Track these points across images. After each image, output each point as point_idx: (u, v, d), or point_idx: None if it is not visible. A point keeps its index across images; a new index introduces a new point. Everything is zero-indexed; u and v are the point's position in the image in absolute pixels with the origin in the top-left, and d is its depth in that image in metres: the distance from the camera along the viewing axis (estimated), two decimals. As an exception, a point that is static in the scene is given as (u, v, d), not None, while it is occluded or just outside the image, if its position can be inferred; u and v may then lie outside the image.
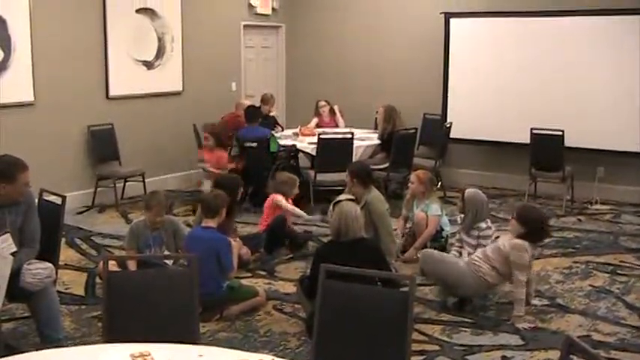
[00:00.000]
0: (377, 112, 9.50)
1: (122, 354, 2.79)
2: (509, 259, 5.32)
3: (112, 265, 5.87)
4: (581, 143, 8.87)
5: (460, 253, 6.05)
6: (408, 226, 7.02)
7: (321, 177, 8.34)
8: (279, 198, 7.01)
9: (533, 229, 5.38)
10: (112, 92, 8.79)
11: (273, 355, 3.78)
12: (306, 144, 8.77)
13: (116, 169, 8.69)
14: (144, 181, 8.72)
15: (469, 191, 6.22)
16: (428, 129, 9.86)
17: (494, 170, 9.73)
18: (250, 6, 10.68)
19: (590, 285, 6.14)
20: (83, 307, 5.53)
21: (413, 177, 6.90)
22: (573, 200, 8.90)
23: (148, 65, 9.21)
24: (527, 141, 8.83)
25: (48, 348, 4.36)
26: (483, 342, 4.99)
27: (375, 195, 6.35)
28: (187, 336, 3.24)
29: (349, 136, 8.43)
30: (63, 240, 6.04)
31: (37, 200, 4.85)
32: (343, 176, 8.05)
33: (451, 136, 9.63)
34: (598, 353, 2.51)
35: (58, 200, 4.87)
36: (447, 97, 9.98)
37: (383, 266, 4.91)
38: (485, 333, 5.14)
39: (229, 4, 10.38)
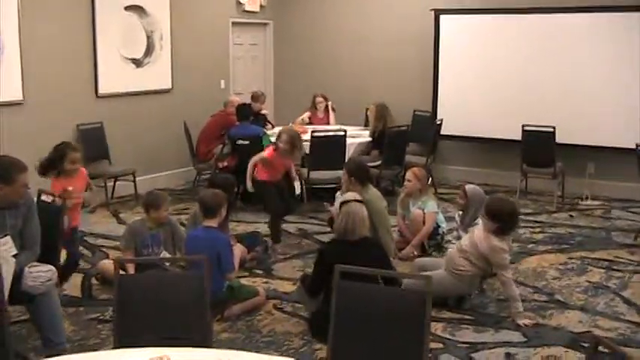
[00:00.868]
0: (368, 109, 9.49)
1: (141, 358, 2.75)
2: (489, 259, 5.34)
3: (110, 266, 5.88)
4: (572, 139, 8.91)
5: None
6: (405, 222, 7.00)
7: (314, 175, 8.31)
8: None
9: (505, 222, 5.35)
10: (102, 90, 8.70)
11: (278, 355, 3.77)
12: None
13: (106, 168, 8.61)
14: (134, 180, 8.65)
15: (470, 187, 6.23)
16: (418, 126, 9.84)
17: (485, 167, 9.75)
18: (238, 3, 10.63)
19: (587, 281, 6.17)
20: (81, 309, 5.47)
21: (410, 174, 6.87)
22: (564, 196, 8.95)
23: (137, 63, 9.13)
24: (519, 137, 8.86)
25: (52, 352, 4.34)
26: (486, 339, 5.00)
27: (373, 193, 6.34)
28: (200, 340, 3.22)
29: (342, 133, 8.41)
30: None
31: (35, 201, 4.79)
32: (337, 174, 8.08)
33: (442, 132, 9.63)
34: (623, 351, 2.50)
35: (56, 201, 4.82)
36: (437, 93, 10.00)
37: (387, 265, 4.91)
38: (487, 330, 5.15)
39: (218, 2, 10.32)
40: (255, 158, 7.32)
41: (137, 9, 9.02)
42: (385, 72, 10.63)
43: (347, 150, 8.48)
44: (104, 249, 6.99)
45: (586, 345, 4.81)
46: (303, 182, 8.29)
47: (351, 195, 5.25)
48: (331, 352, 3.19)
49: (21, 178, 4.33)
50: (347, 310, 3.19)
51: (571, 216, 8.33)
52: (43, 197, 4.96)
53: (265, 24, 11.39)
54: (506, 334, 5.07)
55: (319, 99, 10.04)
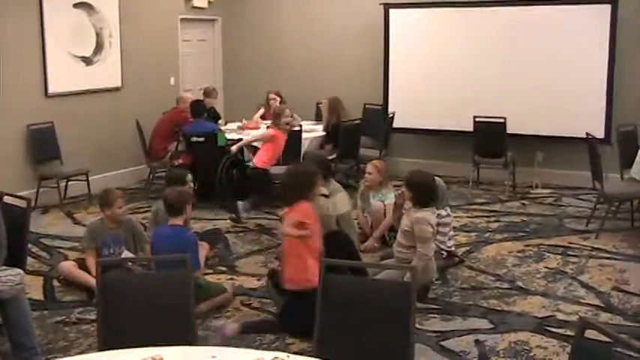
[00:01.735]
0: (321, 103, 9.52)
1: (134, 358, 2.73)
2: (415, 234, 5.38)
3: (73, 267, 5.82)
4: (521, 130, 9.11)
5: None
6: (364, 215, 7.06)
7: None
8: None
9: (420, 191, 5.45)
10: (51, 90, 8.53)
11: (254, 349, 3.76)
12: (252, 137, 8.71)
13: (58, 169, 8.45)
14: (87, 180, 8.51)
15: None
16: (369, 119, 9.89)
17: (438, 158, 9.86)
18: (187, 0, 10.54)
19: (546, 267, 6.33)
20: (45, 312, 5.38)
21: (370, 167, 6.93)
22: (515, 185, 9.14)
23: (87, 61, 8.98)
24: (470, 129, 9.03)
25: (22, 356, 4.27)
26: (454, 327, 5.09)
27: (335, 187, 6.37)
28: (185, 338, 3.21)
29: (297, 128, 8.42)
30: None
31: (-3, 204, 4.69)
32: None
33: (393, 125, 9.73)
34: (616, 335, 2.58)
35: (20, 203, 4.73)
36: (387, 87, 10.09)
37: (355, 256, 4.96)
38: (455, 318, 5.25)
39: (166, -2, 10.23)
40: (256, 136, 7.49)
41: (86, 6, 8.86)
42: (335, 66, 10.68)
43: (302, 144, 8.52)
44: (61, 250, 6.87)
45: (553, 329, 4.98)
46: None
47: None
48: (317, 345, 3.21)
49: None
50: (331, 302, 3.21)
51: (523, 204, 8.52)
52: (6, 200, 4.85)
53: (214, 20, 11.32)
54: (473, 322, 5.17)
55: (272, 95, 10.01)
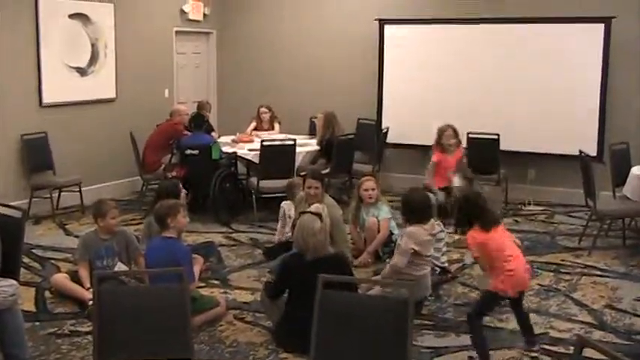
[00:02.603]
0: (316, 117, 9.54)
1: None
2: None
3: (65, 279, 5.80)
4: (514, 146, 9.15)
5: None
6: (357, 230, 7.06)
7: (263, 184, 8.30)
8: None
9: (410, 208, 5.49)
10: (46, 100, 8.52)
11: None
12: (246, 150, 8.73)
13: (51, 179, 8.42)
14: (80, 191, 8.49)
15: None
16: (363, 134, 9.92)
17: (430, 174, 9.87)
18: (182, 12, 10.56)
19: (538, 284, 6.34)
20: (37, 323, 5.35)
21: (371, 183, 6.89)
22: (507, 202, 9.17)
23: (82, 72, 8.99)
24: (463, 145, 9.04)
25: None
26: (448, 344, 5.09)
27: (329, 201, 6.38)
28: (181, 352, 3.21)
29: (291, 142, 8.44)
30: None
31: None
32: (286, 183, 8.12)
33: (387, 140, 9.76)
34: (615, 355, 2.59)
35: (15, 214, 4.70)
36: (381, 102, 10.12)
37: (348, 274, 4.94)
38: (448, 335, 5.25)
39: (162, 10, 10.24)
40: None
41: (81, 17, 8.88)
42: (329, 81, 10.71)
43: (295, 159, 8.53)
44: (54, 261, 6.84)
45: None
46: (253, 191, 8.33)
47: (314, 206, 5.28)
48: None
49: None
50: (329, 318, 3.21)
51: (516, 221, 8.54)
52: (0, 210, 4.82)
53: (208, 33, 11.34)
54: (466, 339, 5.12)
55: (263, 109, 10.04)
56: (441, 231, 6.18)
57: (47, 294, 5.92)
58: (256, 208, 8.37)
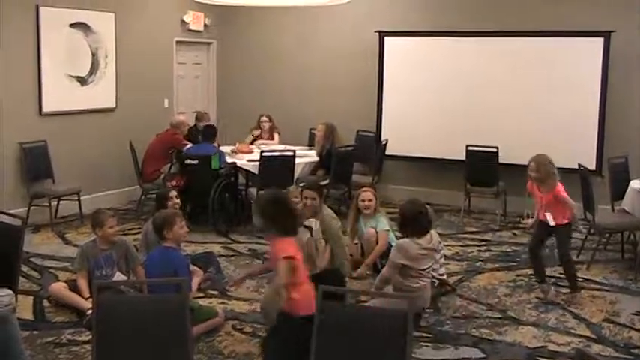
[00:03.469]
0: (315, 129, 9.55)
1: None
2: None
3: (64, 288, 5.79)
4: (512, 159, 9.14)
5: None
6: (355, 242, 7.06)
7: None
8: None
9: (406, 219, 5.47)
10: (46, 108, 8.54)
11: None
12: (245, 161, 8.74)
13: (50, 188, 8.42)
14: (79, 200, 8.49)
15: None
16: (362, 146, 9.92)
17: (429, 186, 9.90)
18: (183, 22, 10.59)
19: (537, 297, 6.34)
20: (35, 332, 5.34)
21: (369, 195, 6.91)
22: (506, 215, 9.17)
23: (82, 81, 9.01)
24: (462, 157, 9.08)
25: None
26: (446, 356, 5.09)
27: (327, 213, 6.38)
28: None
29: (291, 153, 8.44)
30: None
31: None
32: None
33: (386, 152, 9.77)
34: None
35: (14, 222, 4.71)
36: (381, 114, 10.14)
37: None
38: (446, 347, 5.24)
39: (162, 20, 10.27)
40: None
41: (82, 26, 8.90)
42: (329, 92, 10.73)
43: (295, 170, 8.54)
44: (52, 270, 6.83)
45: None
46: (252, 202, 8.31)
47: (308, 222, 5.26)
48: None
49: None
50: (328, 329, 3.21)
51: (514, 234, 8.54)
52: (0, 218, 4.83)
53: (209, 43, 11.37)
54: (465, 351, 5.17)
55: (263, 118, 10.06)
56: (439, 243, 6.17)
57: (45, 303, 5.91)
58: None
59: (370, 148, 9.83)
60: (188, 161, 8.41)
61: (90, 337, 5.15)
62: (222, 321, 5.55)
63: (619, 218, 7.56)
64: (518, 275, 6.95)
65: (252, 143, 9.82)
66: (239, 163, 8.73)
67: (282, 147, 9.36)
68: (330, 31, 10.72)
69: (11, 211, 7.92)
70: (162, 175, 8.77)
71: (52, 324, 5.54)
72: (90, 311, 5.31)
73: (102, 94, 9.29)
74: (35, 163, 8.37)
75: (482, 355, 5.10)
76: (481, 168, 8.95)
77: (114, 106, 9.50)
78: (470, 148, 9.03)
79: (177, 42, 10.60)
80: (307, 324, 3.34)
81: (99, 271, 5.80)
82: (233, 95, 11.48)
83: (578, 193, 7.62)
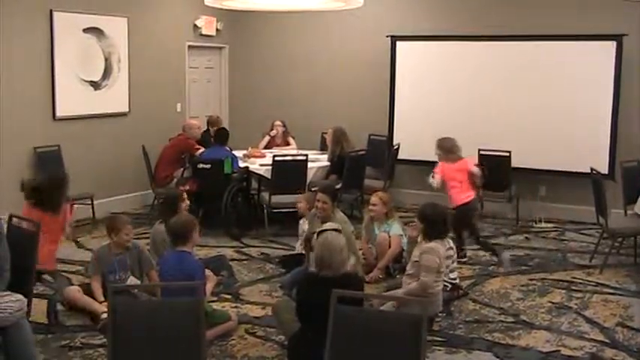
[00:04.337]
0: (326, 133, 9.56)
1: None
2: (421, 264, 5.38)
3: (77, 292, 5.82)
4: (525, 163, 9.15)
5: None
6: (368, 246, 7.07)
7: (275, 199, 8.32)
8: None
9: (432, 225, 5.51)
10: (59, 113, 8.61)
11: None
12: (258, 166, 8.76)
13: (64, 192, 8.45)
14: (92, 204, 8.54)
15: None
16: (374, 150, 9.93)
17: (441, 190, 9.85)
18: (195, 27, 10.63)
19: (550, 301, 6.32)
20: (49, 335, 5.37)
21: (375, 199, 6.95)
22: (518, 219, 9.15)
23: (95, 86, 9.07)
24: (475, 161, 9.04)
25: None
26: (459, 360, 5.09)
27: (340, 216, 6.39)
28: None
29: (303, 158, 8.46)
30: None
31: (6, 226, 4.70)
32: (297, 197, 8.13)
33: (398, 157, 9.77)
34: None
35: (29, 226, 4.74)
36: (393, 118, 10.14)
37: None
38: (459, 351, 5.23)
39: (175, 25, 10.31)
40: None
41: (96, 31, 8.97)
42: (341, 96, 10.75)
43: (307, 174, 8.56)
44: (65, 274, 6.85)
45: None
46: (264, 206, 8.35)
47: (329, 224, 5.27)
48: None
49: None
50: (342, 334, 3.21)
51: (527, 238, 8.53)
52: (15, 222, 4.86)
53: (221, 48, 11.41)
54: (478, 355, 5.16)
55: (277, 123, 10.08)
56: (450, 248, 6.16)
57: (59, 306, 5.93)
58: (268, 222, 8.40)
59: (382, 153, 9.83)
60: (201, 165, 8.43)
61: (104, 340, 5.21)
62: (235, 325, 5.56)
63: (632, 222, 7.52)
64: (530, 280, 6.93)
65: (266, 148, 9.85)
66: (251, 167, 8.75)
67: (294, 151, 9.38)
68: (341, 36, 10.74)
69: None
70: (175, 180, 8.81)
71: (65, 328, 5.56)
72: (104, 315, 5.36)
73: (115, 98, 9.34)
74: (49, 168, 8.38)
75: (496, 360, 5.10)
76: (493, 172, 8.91)
77: (127, 110, 9.55)
78: (482, 152, 9.03)
79: (190, 46, 10.65)
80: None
81: (112, 276, 5.82)
82: (245, 99, 11.51)
83: (590, 197, 7.62)
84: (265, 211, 8.39)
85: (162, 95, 10.12)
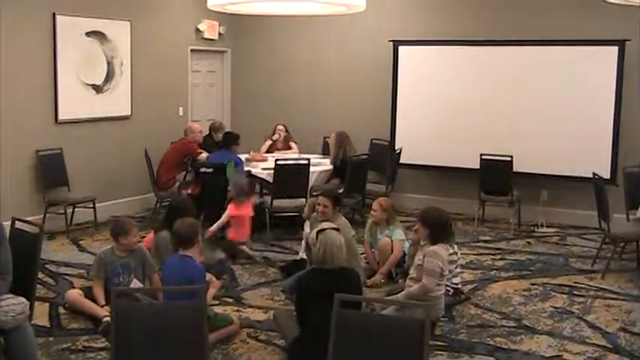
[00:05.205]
0: (329, 137, 9.56)
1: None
2: (424, 267, 5.39)
3: (79, 295, 5.82)
4: (526, 168, 9.15)
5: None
6: (371, 250, 7.07)
7: (277, 203, 8.32)
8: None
9: (435, 229, 5.50)
10: (61, 116, 8.61)
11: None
12: (260, 169, 8.76)
13: (66, 195, 8.48)
14: (94, 207, 8.54)
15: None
16: (376, 155, 9.92)
17: (444, 195, 9.88)
18: (198, 31, 10.64)
19: (552, 306, 6.32)
20: (51, 339, 5.36)
21: (375, 205, 6.95)
22: (520, 223, 9.15)
23: (97, 89, 9.07)
24: (476, 166, 9.07)
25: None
26: (461, 365, 5.08)
27: (342, 221, 6.39)
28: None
29: (306, 162, 8.45)
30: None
31: (8, 230, 4.70)
32: (300, 202, 8.15)
33: (400, 161, 9.77)
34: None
35: (32, 229, 4.74)
36: (395, 123, 10.14)
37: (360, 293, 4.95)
38: (461, 356, 5.23)
39: (177, 29, 10.33)
40: None
41: (98, 35, 8.98)
42: (343, 101, 10.76)
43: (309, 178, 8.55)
44: (67, 277, 6.87)
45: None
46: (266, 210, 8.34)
47: (327, 223, 5.30)
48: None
49: None
50: (345, 337, 3.21)
51: (529, 243, 8.52)
52: (18, 225, 4.86)
53: (223, 52, 11.43)
54: (480, 360, 5.16)
55: (280, 127, 10.08)
56: (454, 252, 6.17)
57: (61, 309, 5.94)
58: (270, 227, 8.39)
59: (384, 157, 9.83)
60: (203, 169, 8.43)
61: (105, 344, 5.21)
62: (237, 329, 5.55)
63: (634, 227, 7.53)
64: (532, 284, 6.92)
65: (267, 152, 9.85)
66: (254, 171, 8.74)
67: (296, 155, 9.38)
68: (344, 40, 10.75)
69: (27, 219, 8.04)
70: (177, 183, 8.81)
71: (67, 331, 5.56)
72: (105, 318, 5.36)
73: (117, 102, 9.35)
74: (51, 171, 8.43)
75: (498, 365, 5.10)
76: (495, 176, 8.94)
77: (129, 114, 9.56)
78: (484, 157, 9.03)
79: (192, 50, 10.66)
80: None
81: (116, 279, 5.82)
82: (247, 103, 11.52)
83: (592, 202, 7.63)
84: (267, 215, 8.37)
85: (165, 99, 10.13)
